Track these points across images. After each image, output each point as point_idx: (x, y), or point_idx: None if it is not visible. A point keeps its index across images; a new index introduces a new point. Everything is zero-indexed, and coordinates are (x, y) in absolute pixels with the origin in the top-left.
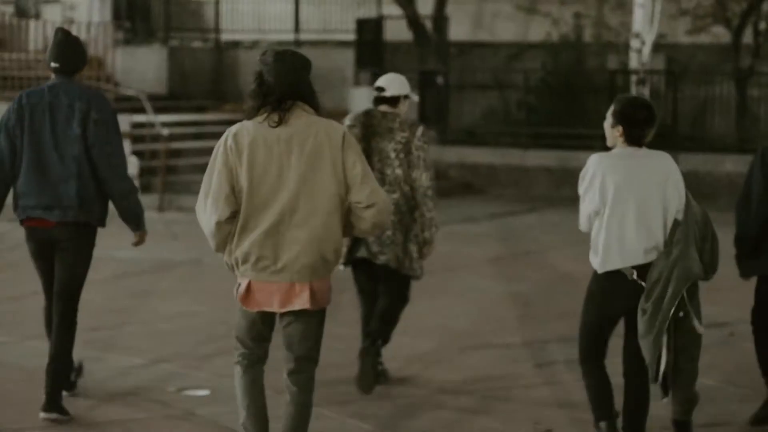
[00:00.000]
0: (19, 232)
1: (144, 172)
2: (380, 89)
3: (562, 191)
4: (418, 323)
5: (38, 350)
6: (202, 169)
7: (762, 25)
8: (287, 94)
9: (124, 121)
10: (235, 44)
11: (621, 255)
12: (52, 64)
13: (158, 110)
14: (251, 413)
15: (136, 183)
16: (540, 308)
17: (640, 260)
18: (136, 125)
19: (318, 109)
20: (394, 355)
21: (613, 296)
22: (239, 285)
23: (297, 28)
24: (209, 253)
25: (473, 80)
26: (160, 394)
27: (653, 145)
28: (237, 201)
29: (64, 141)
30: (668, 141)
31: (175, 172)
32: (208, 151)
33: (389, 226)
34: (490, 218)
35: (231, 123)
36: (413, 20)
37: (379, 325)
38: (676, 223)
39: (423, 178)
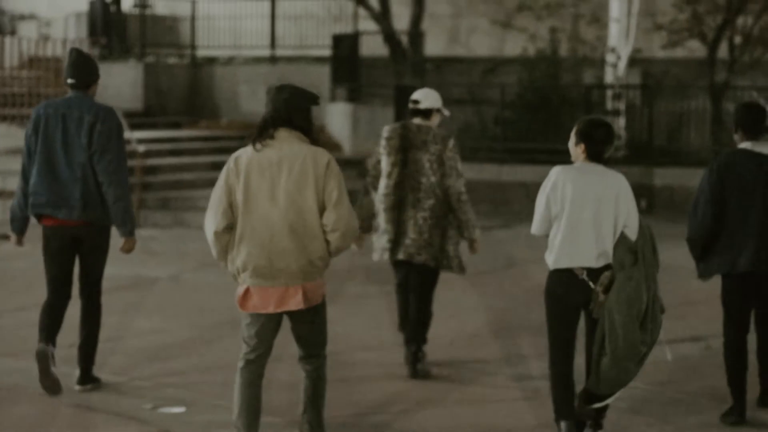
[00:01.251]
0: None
1: None
2: (416, 102)
3: None
4: (391, 337)
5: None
6: (178, 185)
7: (737, 40)
8: (279, 122)
9: None
10: (211, 60)
11: (573, 256)
12: (68, 81)
13: (134, 126)
14: (243, 409)
15: None
16: (513, 322)
17: (592, 264)
18: None
19: (313, 139)
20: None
21: (566, 290)
22: (240, 294)
23: (273, 44)
24: (186, 269)
25: (449, 95)
26: (135, 411)
27: (629, 159)
28: (233, 215)
29: (72, 148)
30: (644, 155)
31: (150, 189)
32: (184, 168)
33: (425, 230)
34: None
35: (207, 139)
36: (389, 36)
37: (418, 329)
38: (623, 235)
39: (456, 185)
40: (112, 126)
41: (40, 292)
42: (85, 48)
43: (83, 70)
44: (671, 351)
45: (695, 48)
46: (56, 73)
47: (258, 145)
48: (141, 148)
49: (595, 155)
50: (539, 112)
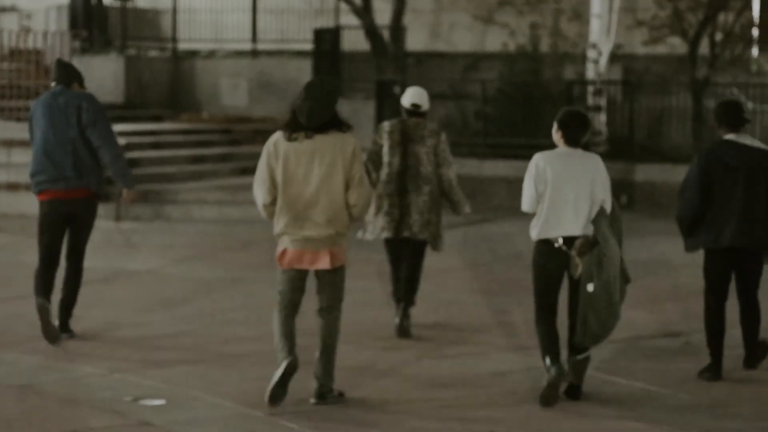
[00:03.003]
0: None
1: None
2: (416, 106)
3: (519, 201)
4: (375, 330)
5: None
6: (159, 178)
7: (718, 36)
8: (315, 124)
9: None
10: (192, 53)
11: (555, 228)
12: (52, 83)
13: (115, 120)
14: (282, 335)
15: None
16: (489, 318)
17: (569, 233)
18: None
19: (343, 129)
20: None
21: (548, 258)
22: (278, 253)
23: (254, 38)
24: (167, 263)
25: (430, 90)
26: (115, 403)
27: (610, 155)
28: (275, 191)
29: (60, 128)
30: (625, 151)
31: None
32: (165, 161)
33: (425, 212)
34: (446, 228)
35: (188, 132)
36: (371, 30)
37: (408, 293)
38: (601, 211)
39: (449, 173)
40: (96, 106)
41: (20, 285)
42: (66, 40)
43: (64, 73)
44: None
45: (676, 44)
46: (37, 66)
47: (301, 141)
48: (122, 141)
49: (572, 141)
50: (520, 107)
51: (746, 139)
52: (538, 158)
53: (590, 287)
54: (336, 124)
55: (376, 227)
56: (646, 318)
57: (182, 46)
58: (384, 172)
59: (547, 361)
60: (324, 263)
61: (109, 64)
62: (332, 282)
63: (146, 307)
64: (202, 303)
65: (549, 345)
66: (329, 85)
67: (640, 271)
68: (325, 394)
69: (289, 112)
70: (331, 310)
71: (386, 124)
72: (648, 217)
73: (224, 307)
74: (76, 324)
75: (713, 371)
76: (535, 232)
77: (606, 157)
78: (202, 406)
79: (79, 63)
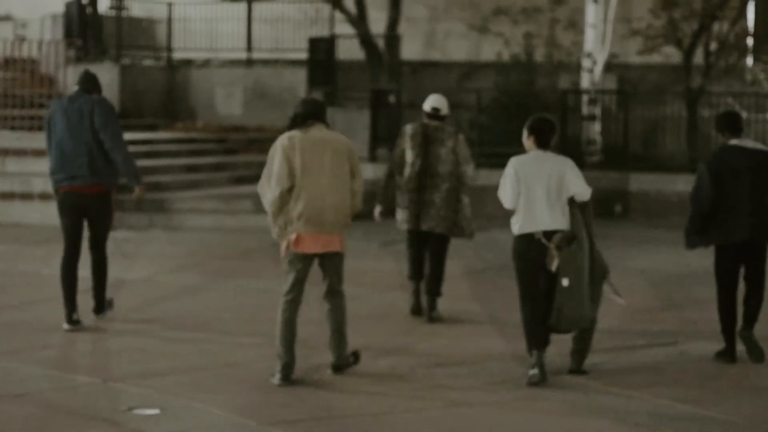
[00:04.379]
0: None
1: None
2: (436, 110)
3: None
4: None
5: None
6: (153, 187)
7: (713, 46)
8: (310, 117)
9: None
10: (187, 63)
11: (533, 223)
12: (75, 86)
13: None
14: (283, 339)
15: None
16: (481, 327)
17: (546, 227)
18: None
19: (328, 125)
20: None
21: (528, 250)
22: (289, 239)
23: (249, 47)
24: (160, 272)
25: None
26: (110, 413)
27: (604, 165)
28: (294, 178)
29: (76, 132)
30: (619, 160)
31: (125, 191)
32: (160, 170)
33: (442, 207)
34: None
35: (182, 141)
36: (366, 39)
37: (434, 284)
38: (577, 204)
39: (467, 169)
40: (106, 108)
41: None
42: (61, 49)
43: (86, 81)
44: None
45: (671, 54)
46: (32, 75)
47: (304, 129)
48: None
49: (542, 143)
50: (515, 116)
51: (748, 143)
52: (515, 162)
53: (565, 282)
54: (325, 124)
55: (401, 219)
56: (639, 326)
57: (177, 55)
58: (407, 171)
59: (533, 356)
60: (335, 246)
61: (104, 73)
62: (337, 266)
63: (140, 317)
64: (197, 312)
65: (532, 333)
66: (317, 99)
67: (634, 280)
68: (342, 366)
69: (291, 118)
70: (336, 292)
71: (408, 128)
72: (642, 226)
73: (219, 316)
74: (67, 335)
75: (729, 355)
76: (516, 227)
77: (600, 166)
78: (196, 415)
79: (74, 72)
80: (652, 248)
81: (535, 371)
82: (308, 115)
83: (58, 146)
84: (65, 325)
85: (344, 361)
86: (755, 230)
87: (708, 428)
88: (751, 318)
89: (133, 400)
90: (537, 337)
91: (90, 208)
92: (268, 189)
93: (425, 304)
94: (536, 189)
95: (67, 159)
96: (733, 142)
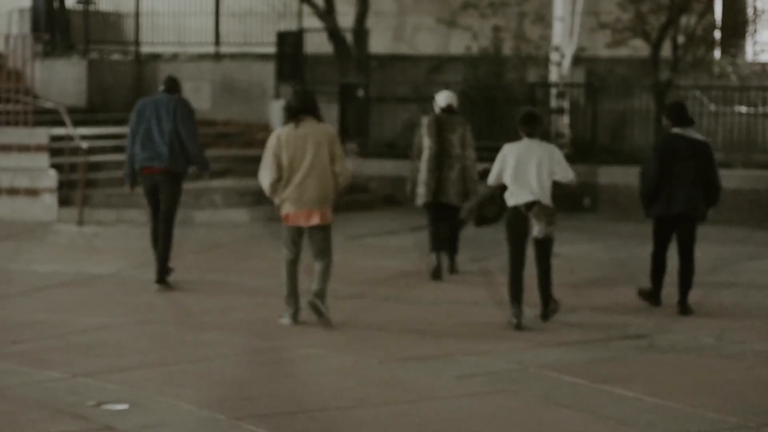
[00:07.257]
0: None
1: (63, 185)
2: (450, 106)
3: None
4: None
5: None
6: (122, 182)
7: (680, 39)
8: (302, 111)
9: (43, 135)
10: (155, 57)
11: (521, 196)
12: (160, 87)
13: (77, 123)
14: (289, 285)
15: (55, 196)
16: (447, 325)
17: (528, 200)
18: (55, 138)
19: (320, 119)
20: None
21: (516, 220)
22: (282, 215)
23: (218, 41)
24: (129, 267)
25: (394, 93)
26: (79, 407)
27: (573, 157)
28: (280, 170)
29: (162, 123)
30: (587, 153)
31: (94, 186)
32: None
33: (457, 184)
34: (411, 231)
35: None
36: (334, 33)
37: (453, 244)
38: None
39: (471, 153)
40: (187, 108)
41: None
42: (29, 44)
43: (171, 83)
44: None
45: (639, 47)
46: None
47: (295, 125)
48: (84, 144)
49: (530, 133)
50: (484, 110)
51: (690, 132)
52: (508, 148)
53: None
54: (316, 115)
55: (419, 196)
56: (610, 320)
57: (145, 49)
58: (425, 154)
59: (513, 307)
60: (316, 220)
61: (72, 67)
62: (323, 237)
63: (109, 311)
64: (165, 306)
65: (515, 289)
66: (310, 91)
67: (602, 273)
68: (322, 297)
69: (285, 108)
70: (323, 256)
71: (425, 119)
72: (611, 219)
73: (187, 310)
74: (37, 330)
75: (654, 298)
76: (510, 201)
77: (569, 159)
78: (165, 410)
79: (41, 66)
80: (624, 241)
81: (514, 319)
82: (299, 110)
83: (146, 133)
84: (155, 286)
85: (323, 296)
86: (688, 204)
87: (677, 421)
88: (685, 287)
89: (102, 395)
90: (516, 294)
91: (163, 185)
92: (264, 177)
93: (445, 267)
94: (527, 169)
95: (152, 144)
96: (676, 130)
